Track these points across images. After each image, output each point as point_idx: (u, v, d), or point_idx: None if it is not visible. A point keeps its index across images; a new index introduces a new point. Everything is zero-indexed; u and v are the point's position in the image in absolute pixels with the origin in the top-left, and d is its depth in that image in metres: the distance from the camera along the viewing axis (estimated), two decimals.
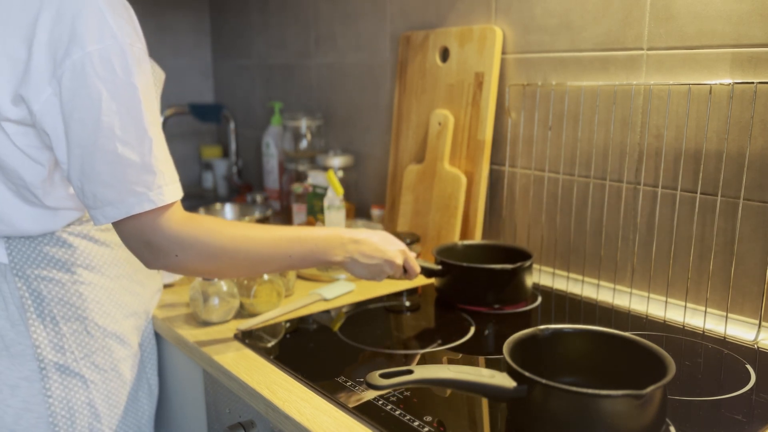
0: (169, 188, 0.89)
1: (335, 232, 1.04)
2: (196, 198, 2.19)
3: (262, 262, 0.98)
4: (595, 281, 1.24)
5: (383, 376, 0.74)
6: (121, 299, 1.09)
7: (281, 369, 0.95)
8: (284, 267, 1.01)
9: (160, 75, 1.14)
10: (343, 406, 0.84)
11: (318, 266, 1.06)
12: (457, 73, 1.41)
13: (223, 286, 1.11)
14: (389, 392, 0.86)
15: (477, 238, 1.38)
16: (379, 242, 1.06)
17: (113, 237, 1.07)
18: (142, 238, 0.90)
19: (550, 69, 1.27)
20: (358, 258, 1.03)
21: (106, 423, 1.07)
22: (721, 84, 1.03)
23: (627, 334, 0.82)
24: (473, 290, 1.17)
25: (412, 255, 1.11)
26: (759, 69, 1.00)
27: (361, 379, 0.90)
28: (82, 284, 1.03)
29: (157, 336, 1.23)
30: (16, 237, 0.99)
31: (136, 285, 1.12)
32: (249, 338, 1.06)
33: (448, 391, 0.87)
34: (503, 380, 0.75)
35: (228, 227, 0.95)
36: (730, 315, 1.07)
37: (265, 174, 1.98)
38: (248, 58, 2.21)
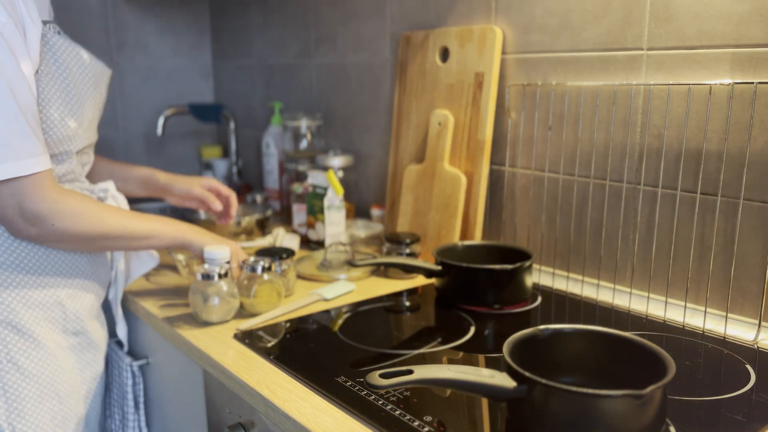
0: (33, 161, 0.96)
1: (180, 231, 1.17)
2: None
3: (122, 237, 1.11)
4: (595, 281, 1.24)
5: (383, 376, 0.74)
6: (21, 289, 1.06)
7: (281, 369, 0.95)
8: (137, 247, 1.15)
9: (105, 71, 1.18)
10: (343, 406, 0.84)
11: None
12: (457, 73, 1.42)
13: (224, 286, 1.11)
14: (389, 392, 0.86)
15: (477, 238, 1.38)
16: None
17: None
18: (18, 204, 0.97)
19: (550, 69, 1.28)
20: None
21: (2, 417, 1.04)
22: (721, 84, 1.03)
23: (627, 334, 0.82)
24: (473, 290, 1.17)
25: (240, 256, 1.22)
26: (759, 69, 1.00)
27: (361, 379, 0.90)
28: None
29: (157, 336, 1.23)
30: None
31: (47, 276, 1.09)
32: (249, 338, 1.06)
33: (448, 391, 0.87)
34: (503, 380, 0.75)
35: (96, 203, 1.08)
36: (730, 315, 1.07)
37: (265, 174, 1.98)
38: (248, 58, 2.21)
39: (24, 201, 0.98)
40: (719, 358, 0.97)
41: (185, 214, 1.66)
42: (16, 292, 1.05)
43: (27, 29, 0.98)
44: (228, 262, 1.14)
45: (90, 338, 1.17)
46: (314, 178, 1.52)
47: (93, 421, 1.21)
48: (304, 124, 1.79)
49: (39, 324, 1.08)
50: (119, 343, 1.35)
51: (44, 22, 1.05)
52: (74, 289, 1.13)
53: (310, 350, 1.02)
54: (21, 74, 0.95)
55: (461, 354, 1.00)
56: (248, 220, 1.59)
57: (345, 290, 1.26)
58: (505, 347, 0.79)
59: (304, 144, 1.80)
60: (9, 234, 1.04)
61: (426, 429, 0.78)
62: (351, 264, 1.21)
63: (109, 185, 1.25)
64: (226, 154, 2.37)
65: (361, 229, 1.60)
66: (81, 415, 1.16)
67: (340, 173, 1.70)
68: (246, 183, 2.21)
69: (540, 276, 1.32)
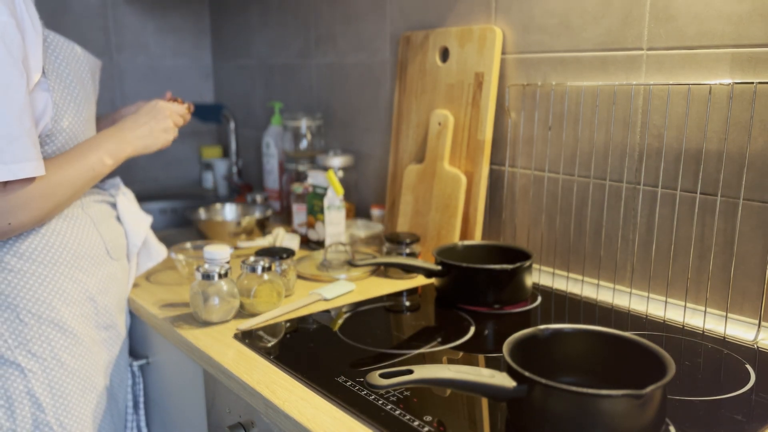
0: (12, 167, 0.92)
1: (117, 132, 1.12)
2: (196, 198, 2.19)
3: (80, 189, 1.06)
4: (595, 281, 1.24)
5: (383, 376, 0.74)
6: (58, 286, 1.08)
7: (281, 369, 0.95)
8: (97, 179, 1.10)
9: (97, 62, 1.18)
10: (343, 406, 0.84)
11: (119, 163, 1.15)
12: (457, 73, 1.42)
13: (224, 286, 1.11)
14: (389, 392, 0.86)
15: (477, 238, 1.38)
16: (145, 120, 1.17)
17: (45, 223, 1.07)
18: None
19: (550, 69, 1.28)
20: (143, 139, 1.15)
21: (50, 413, 1.05)
22: (720, 84, 1.03)
23: (627, 334, 0.82)
24: (473, 290, 1.17)
25: (178, 110, 1.23)
26: (759, 69, 1.00)
27: (361, 379, 0.90)
28: (10, 272, 1.03)
29: (157, 336, 1.23)
30: None
31: (79, 272, 1.11)
32: (249, 338, 1.06)
33: (448, 391, 0.87)
34: (503, 380, 0.75)
35: (43, 178, 0.99)
36: (729, 315, 1.07)
37: (265, 174, 1.98)
38: (248, 58, 2.21)
39: None
40: (719, 358, 0.97)
41: (186, 215, 1.66)
42: (55, 289, 1.07)
43: (27, 30, 0.97)
44: (228, 262, 1.14)
45: (119, 331, 1.19)
46: (314, 178, 1.52)
47: (126, 411, 1.24)
48: (304, 124, 1.79)
49: (76, 320, 1.10)
50: None
51: None
52: (102, 283, 1.15)
53: (310, 350, 1.02)
54: (18, 75, 0.94)
55: (461, 354, 1.00)
56: (248, 220, 1.59)
57: (345, 290, 1.26)
58: (505, 347, 0.79)
59: (304, 144, 1.80)
60: (43, 229, 1.06)
61: (426, 429, 0.78)
62: (351, 264, 1.21)
63: (117, 181, 1.26)
64: (226, 154, 2.37)
65: (361, 229, 1.60)
66: (115, 407, 1.18)
67: (340, 173, 1.70)
68: (246, 183, 2.21)
69: (540, 276, 1.33)
